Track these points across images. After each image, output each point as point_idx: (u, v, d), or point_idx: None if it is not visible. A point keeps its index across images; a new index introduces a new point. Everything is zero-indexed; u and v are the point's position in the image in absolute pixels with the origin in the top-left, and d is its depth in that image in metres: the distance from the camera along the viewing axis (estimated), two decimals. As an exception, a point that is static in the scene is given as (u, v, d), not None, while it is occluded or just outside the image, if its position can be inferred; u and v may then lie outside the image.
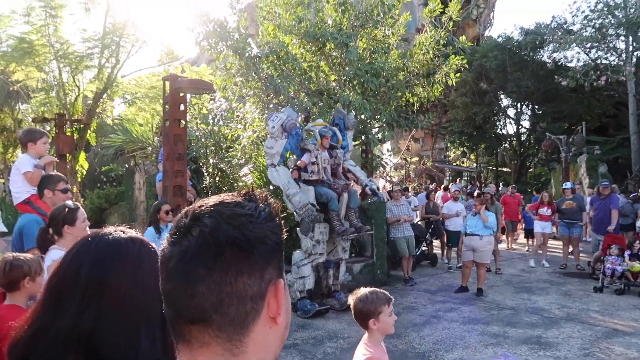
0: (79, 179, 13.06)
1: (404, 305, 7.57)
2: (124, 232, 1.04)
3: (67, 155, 11.77)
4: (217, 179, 8.75)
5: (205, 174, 8.64)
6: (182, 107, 6.86)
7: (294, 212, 7.54)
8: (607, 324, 6.54)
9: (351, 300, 2.73)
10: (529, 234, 12.69)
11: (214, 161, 8.94)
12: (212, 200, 0.79)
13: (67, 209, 3.23)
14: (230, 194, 0.82)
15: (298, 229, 7.36)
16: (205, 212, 0.76)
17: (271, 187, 9.20)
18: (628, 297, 7.95)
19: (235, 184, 8.95)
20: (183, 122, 6.88)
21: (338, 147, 7.77)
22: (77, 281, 0.95)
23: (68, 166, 11.78)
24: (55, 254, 3.25)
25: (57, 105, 13.29)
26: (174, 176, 6.65)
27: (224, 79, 10.39)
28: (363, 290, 2.72)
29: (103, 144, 11.39)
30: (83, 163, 13.26)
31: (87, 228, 3.90)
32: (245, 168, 9.51)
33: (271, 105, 9.70)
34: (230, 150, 9.75)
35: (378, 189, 7.96)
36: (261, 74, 9.38)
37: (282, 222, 0.82)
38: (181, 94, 6.83)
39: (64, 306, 0.95)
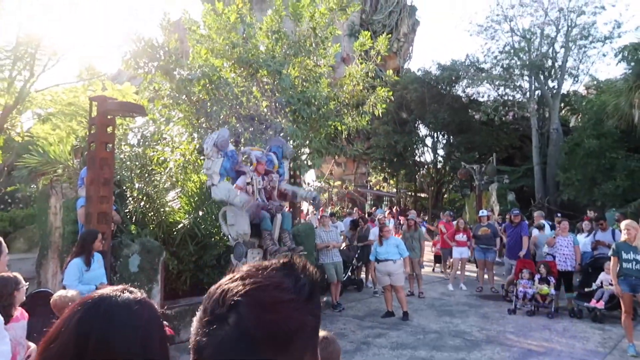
0: (-19, 200, 11.94)
1: (333, 332, 7.57)
2: (131, 293, 0.98)
3: (-31, 174, 10.74)
4: (143, 203, 8.38)
5: (130, 198, 8.24)
6: (109, 129, 6.55)
7: (228, 236, 7.44)
8: (522, 344, 7.01)
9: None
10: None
11: (140, 185, 8.56)
12: (247, 278, 0.76)
13: (-6, 244, 2.98)
14: (267, 264, 0.80)
15: (232, 255, 7.27)
16: (242, 297, 0.73)
17: (200, 213, 8.99)
18: (538, 317, 8.59)
19: (162, 209, 8.62)
20: (110, 145, 6.57)
21: (273, 172, 7.82)
22: (84, 349, 0.88)
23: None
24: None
25: (-42, 119, 12.12)
26: (98, 202, 6.28)
27: (151, 99, 10.07)
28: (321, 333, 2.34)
29: (16, 165, 10.50)
30: (-14, 182, 12.13)
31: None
32: (172, 192, 9.20)
33: (201, 130, 9.52)
34: (153, 173, 9.38)
35: (316, 198, 8.23)
36: (192, 97, 9.21)
37: (319, 293, 0.81)
38: (109, 117, 6.53)
39: None
